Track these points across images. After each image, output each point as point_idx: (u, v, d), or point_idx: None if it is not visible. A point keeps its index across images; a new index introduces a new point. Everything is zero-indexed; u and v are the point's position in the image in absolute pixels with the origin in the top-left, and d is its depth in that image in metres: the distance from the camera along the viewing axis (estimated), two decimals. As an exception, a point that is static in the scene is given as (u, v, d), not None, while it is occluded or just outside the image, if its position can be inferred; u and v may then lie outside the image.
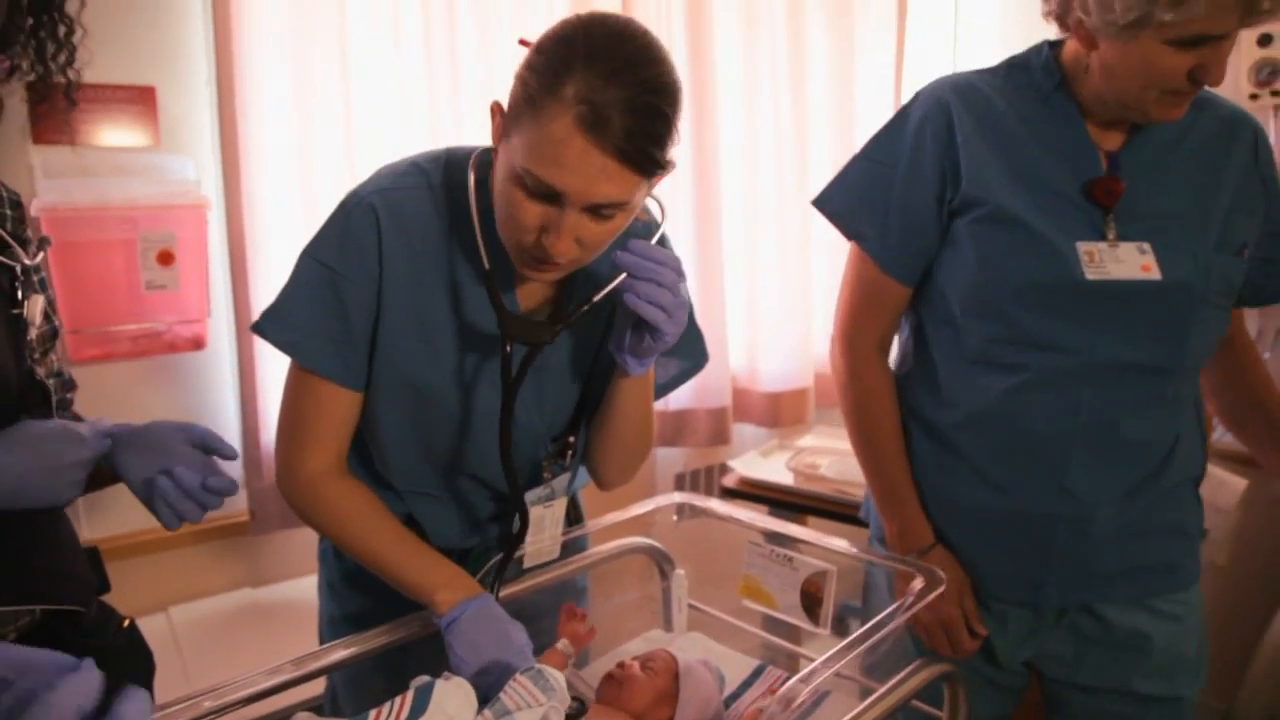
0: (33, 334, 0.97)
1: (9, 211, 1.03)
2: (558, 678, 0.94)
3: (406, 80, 2.08)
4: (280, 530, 2.07)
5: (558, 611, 1.36)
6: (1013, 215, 1.24)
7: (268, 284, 1.93)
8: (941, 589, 1.19)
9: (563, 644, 1.09)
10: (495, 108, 1.02)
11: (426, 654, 1.12)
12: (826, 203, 1.45)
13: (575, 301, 1.12)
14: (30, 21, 0.91)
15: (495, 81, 2.16)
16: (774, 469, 2.24)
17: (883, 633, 1.09)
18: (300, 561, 2.15)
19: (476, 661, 1.01)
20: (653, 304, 1.00)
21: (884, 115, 3.07)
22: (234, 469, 2.08)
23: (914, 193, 1.31)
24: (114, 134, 1.80)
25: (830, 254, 2.94)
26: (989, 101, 1.30)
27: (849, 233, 1.41)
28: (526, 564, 1.23)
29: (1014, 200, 1.25)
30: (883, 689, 1.06)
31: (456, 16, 2.12)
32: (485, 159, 1.10)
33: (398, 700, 0.85)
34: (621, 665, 1.14)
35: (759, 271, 2.79)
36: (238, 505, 2.07)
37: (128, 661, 1.09)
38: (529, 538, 1.21)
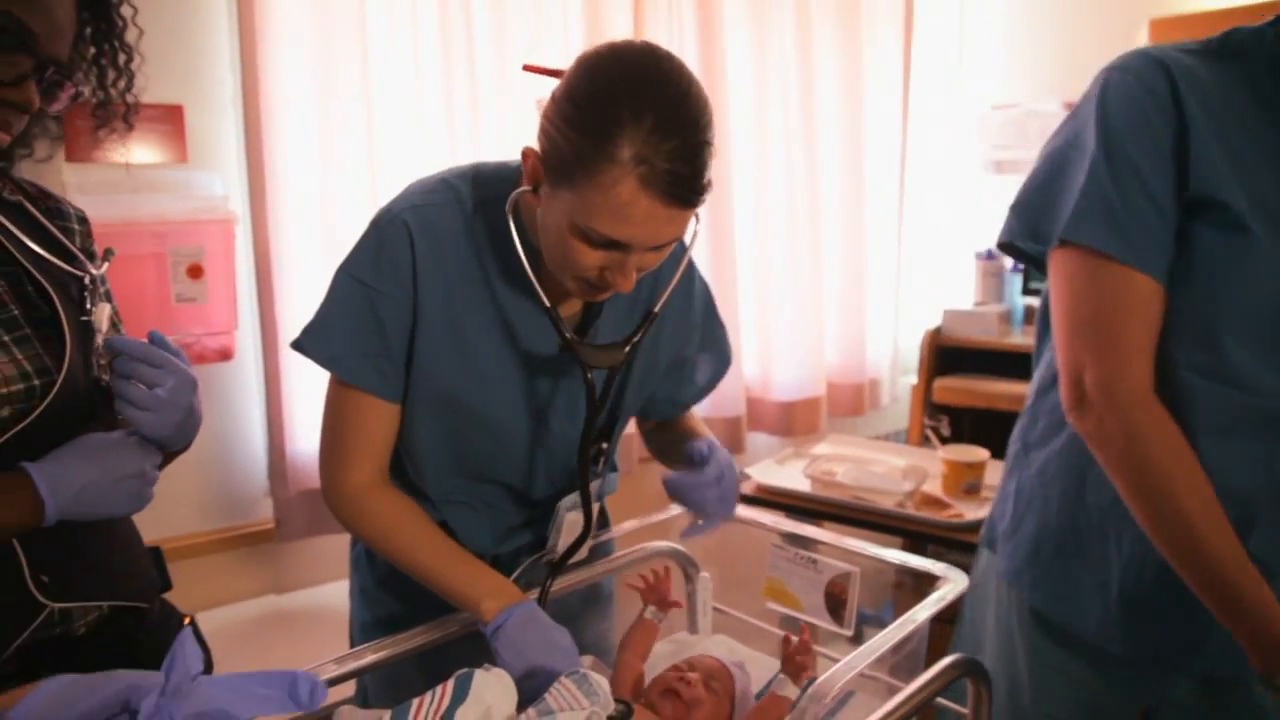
0: (99, 340, 1.00)
1: (76, 226, 1.08)
2: (602, 683, 0.97)
3: (426, 98, 2.12)
4: (305, 538, 2.10)
5: (585, 614, 1.41)
6: (1246, 221, 1.03)
7: (293, 297, 1.97)
8: (964, 590, 1.22)
9: (650, 610, 1.17)
10: (528, 152, 1.04)
11: (461, 656, 1.14)
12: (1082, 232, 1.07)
13: (602, 308, 1.18)
14: (92, 50, 0.95)
15: (511, 98, 2.20)
16: (790, 476, 2.27)
17: (908, 631, 1.13)
18: (324, 568, 2.17)
19: (522, 665, 1.04)
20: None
21: (892, 122, 3.12)
22: (259, 478, 2.11)
23: (1148, 177, 1.04)
24: (144, 151, 1.84)
25: (840, 264, 2.98)
26: (1212, 86, 1.07)
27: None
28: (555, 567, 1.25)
29: (1248, 205, 1.03)
30: (911, 686, 1.08)
31: (474, 34, 2.16)
32: (511, 182, 1.13)
33: (439, 689, 0.88)
34: (685, 680, 1.13)
35: (771, 281, 2.83)
36: (263, 513, 2.11)
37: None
38: (559, 541, 1.24)
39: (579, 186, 0.97)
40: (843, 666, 0.99)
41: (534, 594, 1.18)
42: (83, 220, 1.09)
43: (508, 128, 2.20)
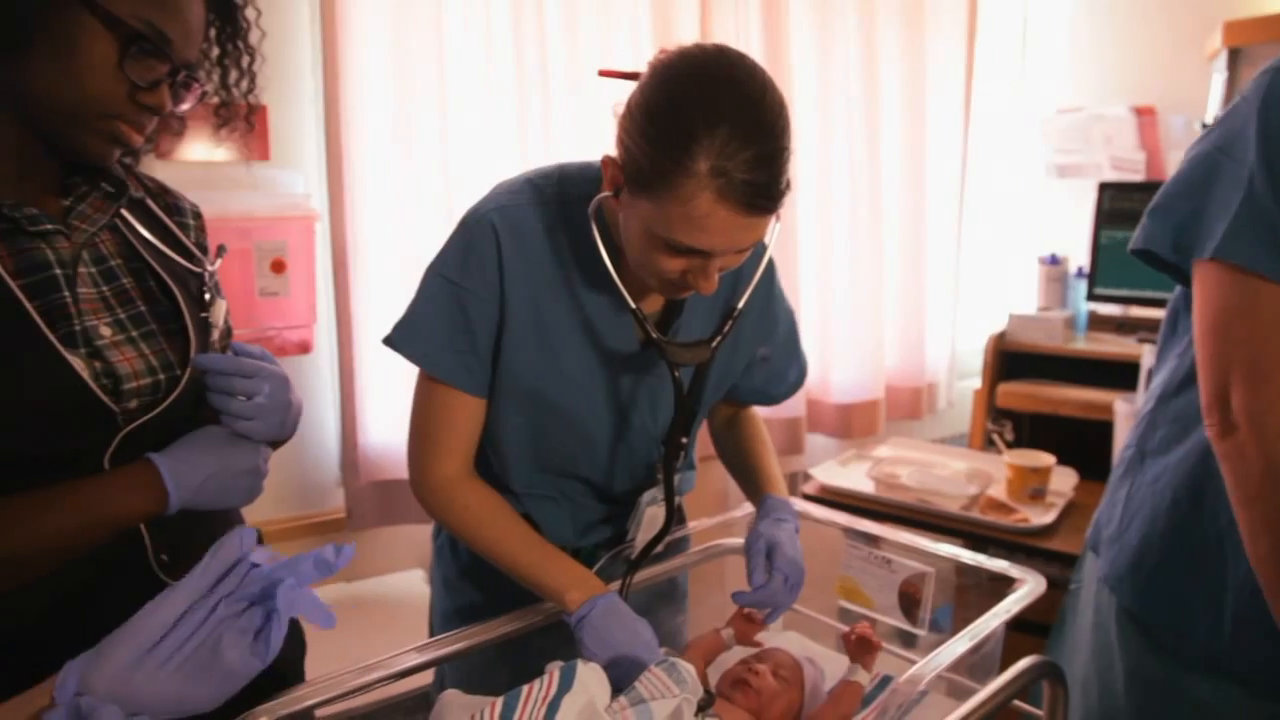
0: (215, 335, 1.04)
1: (192, 222, 1.11)
2: (690, 671, 0.99)
3: (498, 98, 2.16)
4: (375, 527, 2.15)
5: (660, 609, 1.43)
6: None
7: (368, 292, 2.02)
8: (1040, 593, 1.22)
9: (727, 631, 1.18)
10: (608, 161, 1.06)
11: (540, 647, 1.18)
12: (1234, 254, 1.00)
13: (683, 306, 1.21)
14: (217, 51, 0.99)
15: (581, 97, 2.24)
16: (853, 477, 2.28)
17: (988, 632, 1.14)
18: (394, 558, 2.23)
19: (606, 655, 1.07)
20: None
21: (954, 125, 3.11)
22: (332, 468, 2.17)
23: None
24: (230, 150, 1.90)
25: (900, 267, 2.98)
26: None
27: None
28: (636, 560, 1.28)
29: None
30: (990, 687, 1.08)
31: (546, 34, 2.20)
32: (594, 183, 1.16)
33: (545, 677, 0.91)
34: (754, 671, 1.16)
35: (831, 283, 2.83)
36: (334, 503, 2.16)
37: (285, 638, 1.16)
38: (639, 535, 1.27)
39: (657, 198, 0.98)
40: (927, 663, 1.01)
41: (615, 586, 1.20)
42: (197, 216, 1.13)
43: (579, 126, 2.24)
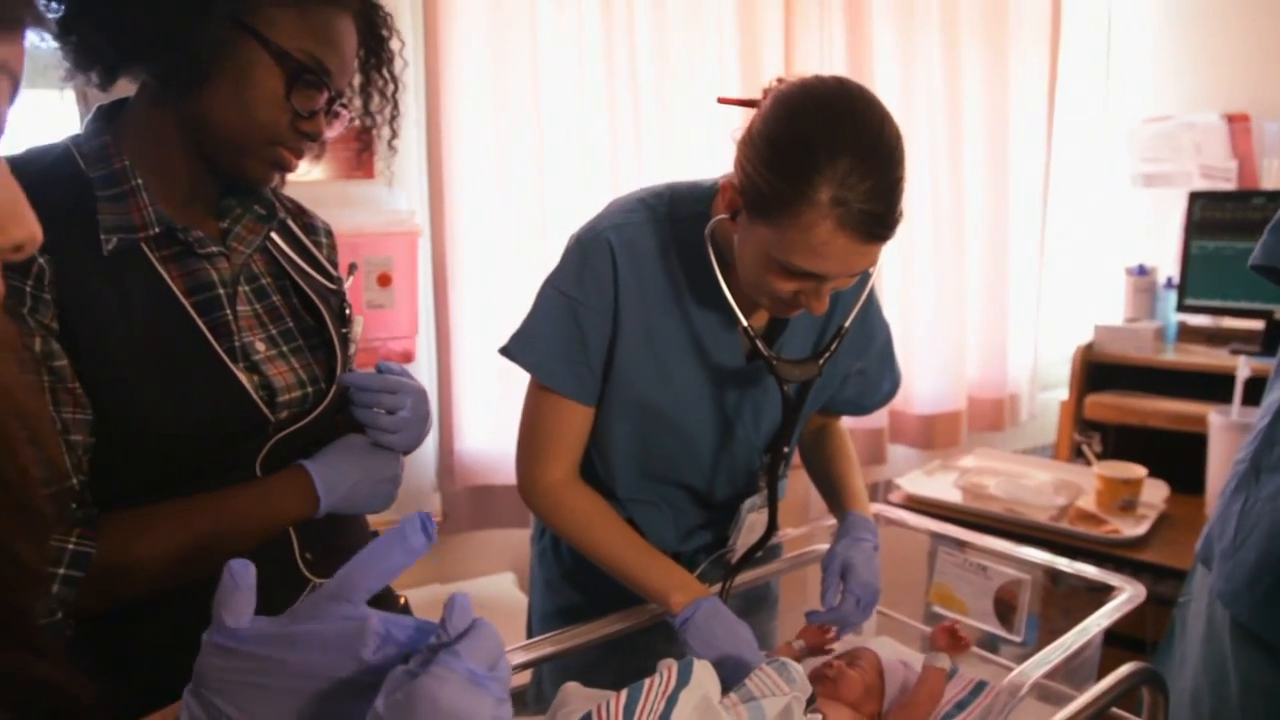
0: (352, 349, 1.12)
1: (325, 240, 1.18)
2: (799, 670, 1.03)
3: (591, 118, 2.23)
4: (469, 531, 2.23)
5: (754, 612, 1.47)
6: None
7: (466, 303, 2.11)
8: (1140, 601, 1.23)
9: (799, 643, 1.20)
10: (726, 185, 1.11)
11: (635, 649, 1.22)
12: None
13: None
14: (361, 79, 1.06)
15: (671, 112, 2.30)
16: (939, 487, 2.29)
17: (1087, 638, 1.15)
18: (487, 561, 2.30)
19: (710, 655, 1.11)
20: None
21: (1037, 135, 3.08)
22: (429, 473, 2.25)
23: None
24: (339, 169, 2.01)
25: (983, 278, 2.97)
26: None
27: None
28: (734, 563, 1.32)
29: None
30: (1089, 692, 1.09)
31: (636, 51, 2.26)
32: (704, 202, 1.21)
33: (665, 672, 0.95)
34: (830, 665, 1.22)
35: (913, 294, 2.84)
36: (431, 506, 2.24)
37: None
38: (739, 541, 1.31)
39: (777, 225, 1.03)
40: (1030, 666, 1.03)
41: (716, 589, 1.25)
42: (329, 234, 1.19)
43: (668, 142, 2.30)
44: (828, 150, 0.99)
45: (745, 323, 1.15)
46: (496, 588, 2.26)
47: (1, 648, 0.43)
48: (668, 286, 1.21)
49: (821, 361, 1.19)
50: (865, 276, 1.22)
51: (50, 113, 1.00)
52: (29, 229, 0.47)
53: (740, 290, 1.16)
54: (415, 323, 2.07)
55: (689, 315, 1.22)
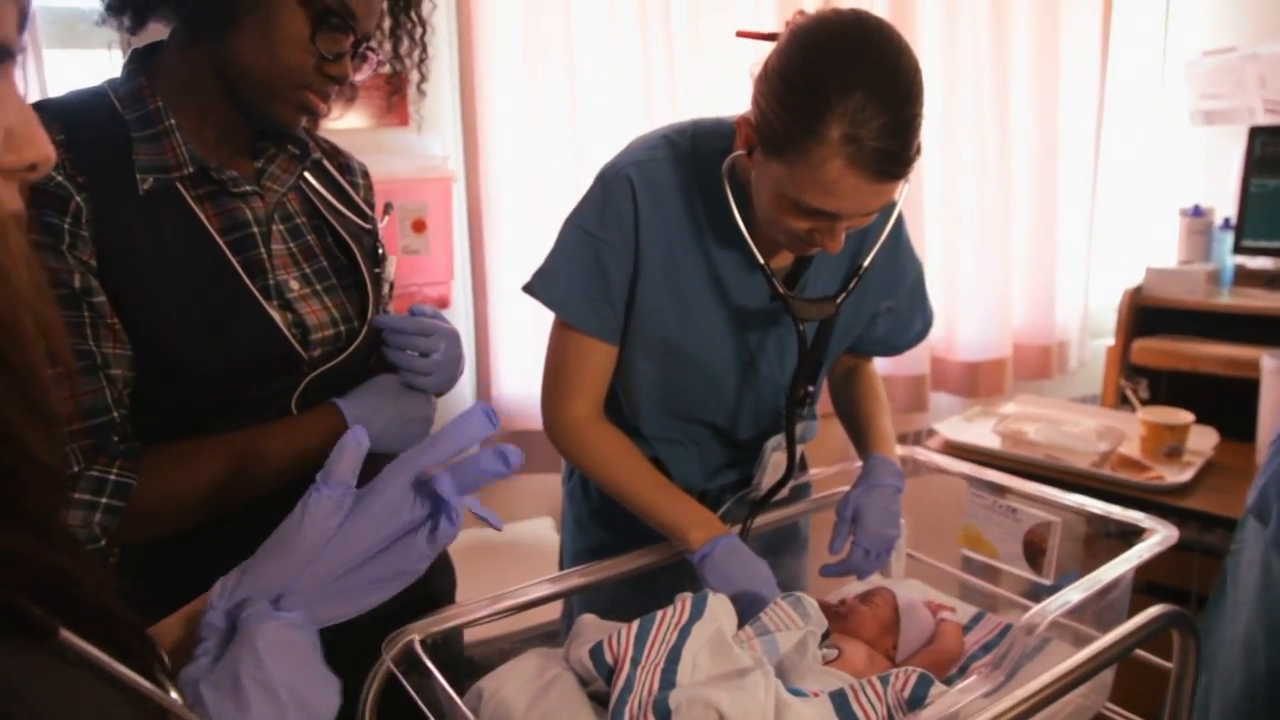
0: (385, 289, 1.13)
1: (361, 181, 1.19)
2: (814, 605, 1.04)
3: (624, 62, 2.21)
4: (508, 476, 2.25)
5: (783, 552, 1.48)
6: None
7: (501, 248, 2.11)
8: (1173, 543, 1.21)
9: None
10: (742, 121, 1.09)
11: (665, 584, 1.23)
12: None
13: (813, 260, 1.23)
14: (390, 22, 1.06)
15: (704, 56, 2.26)
16: (978, 433, 2.26)
17: (1115, 576, 1.13)
18: (525, 506, 2.33)
19: (727, 591, 1.11)
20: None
21: (1089, 70, 2.96)
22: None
23: None
24: (374, 116, 2.01)
25: (1031, 221, 2.90)
26: None
27: None
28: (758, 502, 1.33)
29: None
30: (1114, 633, 1.08)
31: (672, 2, 2.22)
32: (727, 139, 1.19)
33: (678, 605, 0.97)
34: (842, 602, 1.22)
35: (958, 238, 2.78)
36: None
37: (437, 571, 1.26)
38: (765, 480, 1.31)
39: (788, 162, 1.01)
40: (1053, 601, 1.02)
41: (737, 528, 1.25)
42: (365, 175, 1.21)
43: (703, 84, 2.27)
44: (839, 86, 0.97)
45: (762, 260, 1.14)
46: (534, 532, 2.29)
47: (16, 536, 0.45)
48: (689, 224, 1.21)
49: (839, 301, 1.17)
50: (889, 212, 1.20)
51: (100, 72, 1.01)
52: (43, 149, 0.48)
53: (760, 228, 1.14)
54: (451, 268, 2.09)
55: (711, 255, 1.21)
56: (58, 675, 0.44)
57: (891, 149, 0.98)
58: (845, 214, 1.04)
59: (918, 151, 1.03)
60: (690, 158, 1.21)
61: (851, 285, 1.18)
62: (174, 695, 0.53)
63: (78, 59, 1.49)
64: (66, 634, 0.44)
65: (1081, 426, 2.20)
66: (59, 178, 0.87)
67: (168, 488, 0.92)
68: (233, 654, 0.60)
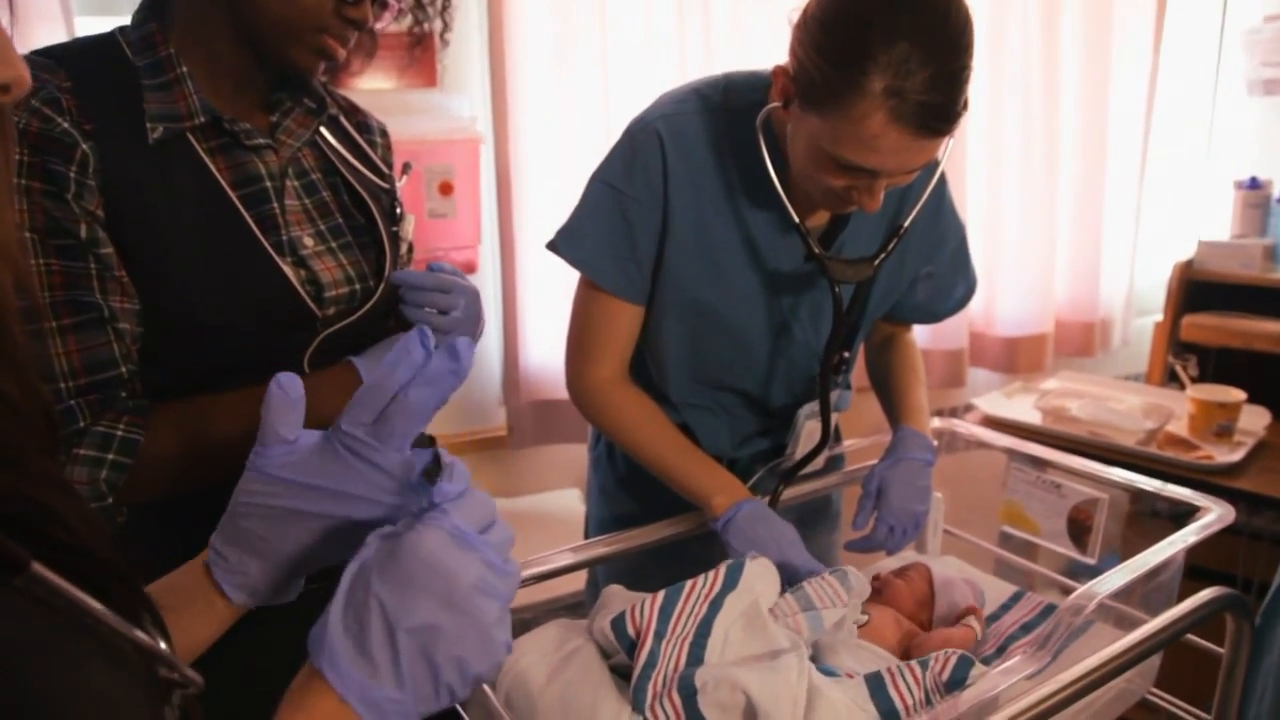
0: (403, 249, 1.10)
1: (379, 139, 1.16)
2: (860, 578, 1.00)
3: (658, 20, 2.14)
4: (534, 446, 2.23)
5: (815, 525, 1.43)
6: None
7: (530, 213, 2.06)
8: (1230, 521, 1.15)
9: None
10: (779, 71, 1.04)
11: (688, 557, 1.19)
12: None
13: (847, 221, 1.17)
14: None
15: (740, 16, 2.19)
16: (1019, 409, 2.19)
17: (1163, 559, 1.08)
18: (553, 475, 2.30)
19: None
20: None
21: (1142, 38, 2.85)
22: (494, 387, 2.25)
23: None
24: (401, 77, 1.97)
25: (1077, 193, 2.80)
26: None
27: None
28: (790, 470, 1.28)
29: None
30: (1164, 616, 1.03)
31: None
32: (762, 92, 1.14)
33: (710, 574, 0.92)
34: (877, 577, 1.18)
35: (1000, 209, 2.69)
36: (496, 420, 2.25)
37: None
38: (799, 449, 1.27)
39: (827, 115, 0.96)
40: (1102, 581, 0.97)
41: (766, 498, 1.21)
42: (384, 134, 1.18)
43: (739, 41, 2.19)
44: (883, 34, 0.91)
45: (797, 219, 1.09)
46: (561, 503, 2.26)
47: None
48: (720, 181, 1.15)
49: (877, 263, 1.12)
50: (931, 171, 1.14)
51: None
52: (15, 70, 0.45)
53: (795, 185, 1.09)
54: (478, 232, 2.04)
55: (742, 213, 1.16)
56: (29, 615, 0.42)
57: (937, 103, 0.93)
58: (886, 171, 0.99)
59: (964, 107, 0.97)
60: (722, 111, 1.16)
61: (891, 246, 1.13)
62: (163, 646, 0.50)
63: (110, 25, 1.47)
64: (40, 569, 0.41)
65: (1126, 404, 2.13)
66: (65, 124, 0.84)
67: (179, 445, 0.90)
68: None
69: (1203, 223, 2.97)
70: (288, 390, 0.63)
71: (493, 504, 0.56)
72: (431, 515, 0.53)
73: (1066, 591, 1.29)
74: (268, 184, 0.97)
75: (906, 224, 1.13)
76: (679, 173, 1.15)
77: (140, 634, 0.46)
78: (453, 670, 0.51)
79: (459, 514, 0.53)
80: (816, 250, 1.10)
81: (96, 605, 0.44)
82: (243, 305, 0.93)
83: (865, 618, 1.02)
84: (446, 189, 1.95)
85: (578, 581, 1.65)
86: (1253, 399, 2.08)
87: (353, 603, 0.51)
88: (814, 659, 0.91)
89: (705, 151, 1.15)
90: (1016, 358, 2.78)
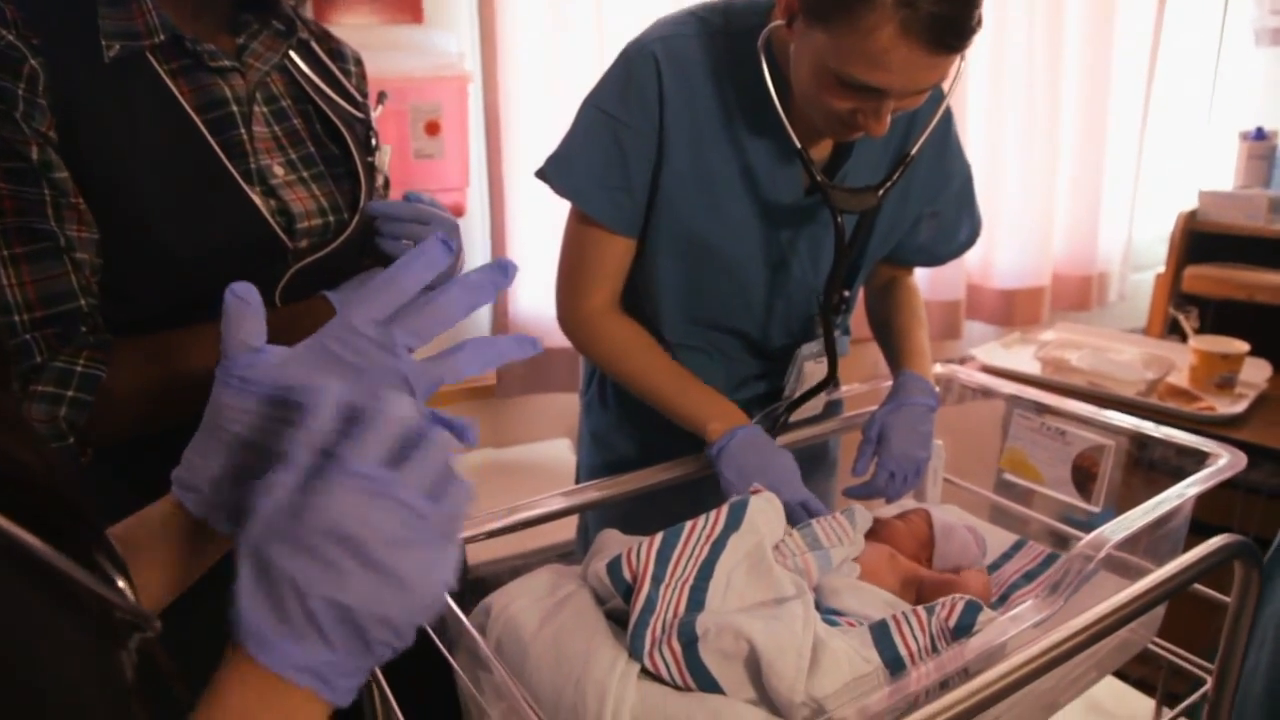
0: (379, 181, 1.04)
1: (353, 68, 1.10)
2: (867, 517, 0.96)
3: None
4: (523, 395, 2.19)
5: (811, 472, 1.40)
6: None
7: (521, 155, 2.00)
8: (1241, 468, 1.12)
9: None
10: None
11: (684, 502, 1.16)
12: None
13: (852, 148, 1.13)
14: None
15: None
16: (1017, 359, 2.16)
17: (1174, 505, 1.05)
18: (541, 425, 2.27)
19: (744, 484, 1.04)
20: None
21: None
22: (480, 334, 2.20)
23: None
24: (385, 12, 1.89)
25: (1078, 145, 2.75)
26: None
27: None
28: (793, 418, 1.24)
29: None
30: (1171, 565, 1.00)
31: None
32: (763, 15, 1.08)
33: (712, 514, 0.88)
34: (877, 519, 1.14)
35: (999, 160, 2.65)
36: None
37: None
38: (799, 388, 1.23)
39: (834, 29, 0.91)
40: (1112, 527, 0.93)
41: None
42: (359, 62, 1.12)
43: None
44: None
45: (798, 145, 1.04)
46: (551, 453, 2.23)
47: None
48: (719, 108, 1.10)
49: (881, 192, 1.07)
50: (937, 101, 1.09)
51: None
52: None
53: (797, 111, 1.04)
54: (466, 174, 1.98)
55: (741, 142, 1.11)
56: None
57: (950, 15, 0.87)
58: (894, 90, 0.94)
59: (979, 23, 0.92)
60: (722, 34, 1.10)
61: (896, 175, 1.08)
62: (121, 585, 0.46)
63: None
64: None
65: (1126, 355, 2.10)
66: (10, 36, 0.78)
67: (144, 380, 0.85)
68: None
69: (1203, 175, 2.92)
70: (246, 298, 0.58)
71: (415, 417, 0.48)
72: (335, 465, 0.45)
73: (1065, 540, 1.27)
74: (234, 109, 0.91)
75: (914, 151, 1.08)
76: (675, 98, 1.10)
77: (81, 572, 0.41)
78: (381, 628, 0.45)
79: (367, 448, 0.45)
80: (819, 178, 1.05)
81: (36, 542, 0.39)
82: (209, 236, 0.88)
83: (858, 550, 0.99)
84: (433, 129, 1.88)
85: (568, 530, 1.61)
86: (1254, 352, 2.05)
87: (261, 572, 0.45)
88: (816, 602, 0.87)
89: (703, 76, 1.10)
90: (1013, 311, 2.75)
